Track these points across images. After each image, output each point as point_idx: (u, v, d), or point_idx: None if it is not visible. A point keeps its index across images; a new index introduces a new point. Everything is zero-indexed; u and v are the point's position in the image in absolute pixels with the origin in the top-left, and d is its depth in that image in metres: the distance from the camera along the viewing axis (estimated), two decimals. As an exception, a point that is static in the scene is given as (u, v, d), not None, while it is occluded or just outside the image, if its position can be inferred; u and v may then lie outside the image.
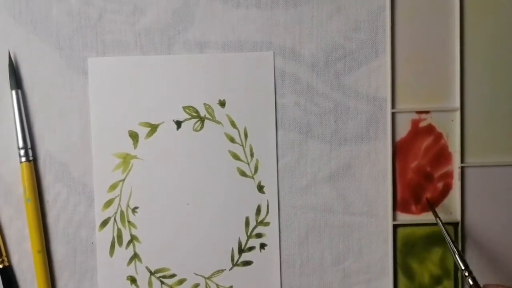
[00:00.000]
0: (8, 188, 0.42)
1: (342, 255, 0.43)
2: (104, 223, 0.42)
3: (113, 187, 0.42)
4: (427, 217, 0.42)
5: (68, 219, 0.42)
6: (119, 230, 0.42)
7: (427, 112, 0.42)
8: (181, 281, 0.42)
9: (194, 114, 0.42)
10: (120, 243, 0.42)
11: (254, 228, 0.42)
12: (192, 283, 0.43)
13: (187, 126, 0.42)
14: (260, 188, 0.42)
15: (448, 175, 0.42)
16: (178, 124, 0.42)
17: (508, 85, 0.42)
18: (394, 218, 0.42)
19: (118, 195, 0.42)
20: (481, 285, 0.37)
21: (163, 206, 0.42)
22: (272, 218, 0.42)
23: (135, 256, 0.42)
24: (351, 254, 0.43)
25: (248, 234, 0.42)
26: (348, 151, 0.42)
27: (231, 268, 0.43)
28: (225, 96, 0.42)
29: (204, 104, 0.42)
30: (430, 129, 0.42)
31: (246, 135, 0.42)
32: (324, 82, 0.42)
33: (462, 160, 0.42)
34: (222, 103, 0.42)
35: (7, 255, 0.42)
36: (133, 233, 0.42)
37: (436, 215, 0.41)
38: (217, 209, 0.42)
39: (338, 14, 0.42)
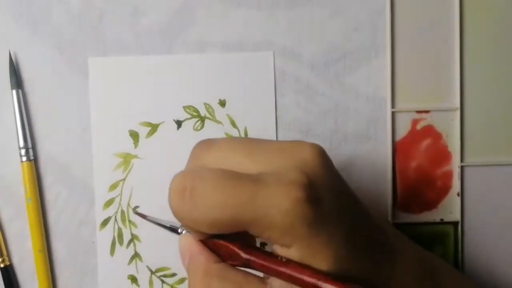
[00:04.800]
0: (8, 187, 0.42)
1: (342, 254, 0.43)
2: (105, 223, 0.42)
3: (113, 186, 0.42)
4: (427, 216, 0.42)
5: (69, 218, 0.42)
6: (119, 230, 0.42)
7: (427, 112, 0.42)
8: (182, 280, 0.43)
9: (195, 113, 0.42)
10: (121, 243, 0.42)
11: (254, 227, 0.42)
12: (193, 282, 0.43)
13: (188, 125, 0.42)
14: (260, 188, 0.42)
15: (448, 175, 0.42)
16: (179, 123, 0.42)
17: (508, 85, 0.42)
18: (394, 218, 0.42)
19: (119, 194, 0.42)
20: None
21: (164, 205, 0.42)
22: (272, 217, 0.42)
23: (136, 255, 0.42)
24: (351, 253, 0.43)
25: (248, 233, 0.42)
26: (348, 150, 0.42)
27: (231, 268, 0.43)
28: (225, 95, 0.42)
29: (205, 103, 0.42)
30: (430, 128, 0.42)
31: (246, 135, 0.42)
32: (324, 82, 0.42)
33: (462, 160, 0.42)
34: (222, 103, 0.42)
35: (8, 255, 0.42)
36: (133, 232, 0.42)
37: None
38: (218, 208, 0.42)
39: (338, 15, 0.42)
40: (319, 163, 0.28)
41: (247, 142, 0.29)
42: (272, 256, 0.27)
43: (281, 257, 0.27)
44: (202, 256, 0.29)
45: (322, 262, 0.26)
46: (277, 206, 0.25)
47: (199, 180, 0.27)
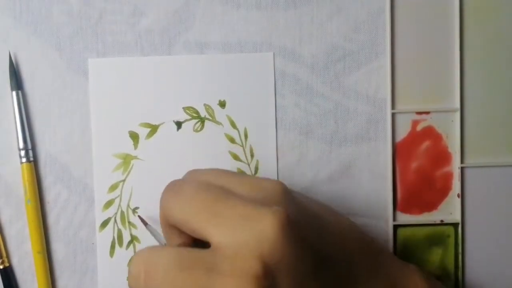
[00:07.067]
0: (8, 189, 0.42)
1: (342, 255, 0.43)
2: (105, 224, 0.42)
3: (113, 187, 0.42)
4: (428, 217, 0.42)
5: (69, 219, 0.42)
6: (119, 231, 0.42)
7: (427, 112, 0.42)
8: (181, 282, 0.43)
9: (194, 114, 0.42)
10: (121, 244, 0.42)
11: (254, 228, 0.42)
12: (193, 283, 0.43)
13: (188, 126, 0.42)
14: (260, 189, 0.42)
15: (448, 176, 0.42)
16: (179, 124, 0.42)
17: (508, 85, 0.42)
18: (394, 219, 0.42)
19: (119, 195, 0.42)
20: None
21: (164, 206, 0.42)
22: (272, 218, 0.42)
23: (136, 256, 0.42)
24: (351, 254, 0.43)
25: (248, 234, 0.42)
26: (348, 151, 0.42)
27: (231, 269, 0.43)
28: (225, 96, 0.42)
29: (204, 104, 0.42)
30: (430, 129, 0.42)
31: (246, 136, 0.42)
32: (324, 83, 0.42)
33: (462, 161, 0.42)
34: (222, 104, 0.42)
35: (8, 256, 0.42)
36: (133, 233, 0.42)
37: None
38: (217, 209, 0.42)
39: (338, 15, 0.42)
40: (278, 236, 0.27)
41: (212, 201, 0.29)
42: None
43: None
44: None
45: None
46: None
47: (152, 266, 0.28)
